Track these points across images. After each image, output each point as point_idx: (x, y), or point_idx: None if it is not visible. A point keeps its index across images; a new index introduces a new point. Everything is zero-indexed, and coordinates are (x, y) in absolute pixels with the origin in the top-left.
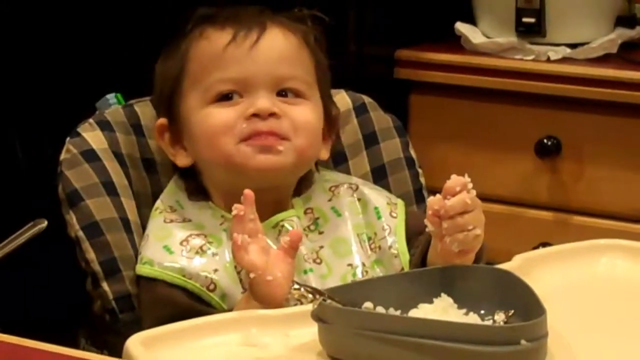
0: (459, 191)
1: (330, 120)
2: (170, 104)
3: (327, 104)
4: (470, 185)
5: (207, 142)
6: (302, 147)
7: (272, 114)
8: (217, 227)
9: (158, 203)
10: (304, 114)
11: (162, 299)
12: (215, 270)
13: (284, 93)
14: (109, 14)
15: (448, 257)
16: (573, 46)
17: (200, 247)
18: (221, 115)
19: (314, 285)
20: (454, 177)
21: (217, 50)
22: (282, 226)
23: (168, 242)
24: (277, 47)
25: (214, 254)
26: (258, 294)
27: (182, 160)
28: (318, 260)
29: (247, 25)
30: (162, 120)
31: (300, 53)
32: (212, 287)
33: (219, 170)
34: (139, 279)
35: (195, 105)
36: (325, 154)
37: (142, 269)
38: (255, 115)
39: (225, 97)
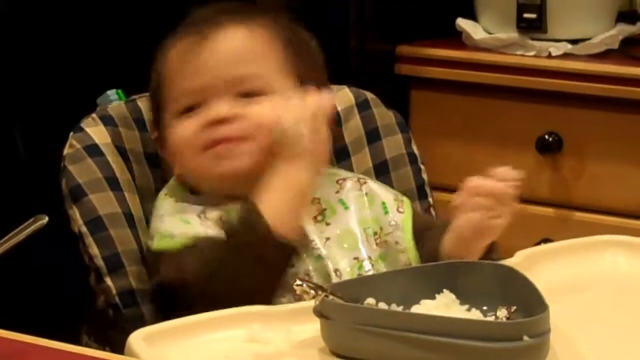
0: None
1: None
2: (157, 116)
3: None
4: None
5: (176, 159)
6: (266, 146)
7: (231, 117)
8: (229, 206)
9: (164, 189)
10: (267, 110)
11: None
12: None
13: (247, 94)
14: (110, 11)
15: (458, 239)
16: (574, 42)
17: (220, 218)
18: (182, 129)
19: (326, 271)
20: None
21: (179, 62)
22: None
23: (185, 216)
24: (232, 48)
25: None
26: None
27: (177, 171)
28: (326, 250)
29: (203, 32)
30: (156, 134)
31: (261, 49)
32: None
33: (194, 180)
34: (160, 256)
35: (170, 118)
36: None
37: (163, 243)
38: (214, 122)
39: (189, 109)
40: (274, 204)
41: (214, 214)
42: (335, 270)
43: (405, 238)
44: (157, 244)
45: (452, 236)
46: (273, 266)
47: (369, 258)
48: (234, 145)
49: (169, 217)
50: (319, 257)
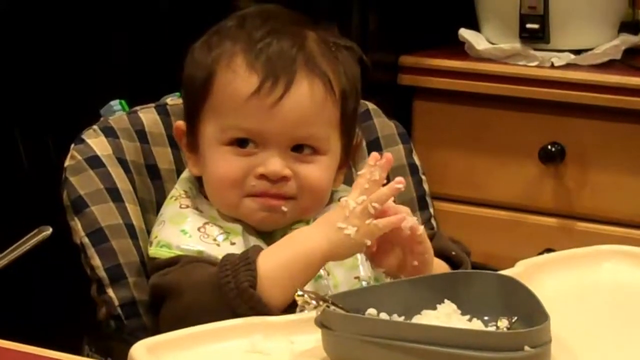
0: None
1: (350, 151)
2: (191, 117)
3: (351, 135)
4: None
5: (215, 188)
6: (306, 208)
7: (282, 177)
8: (233, 224)
9: (173, 191)
10: (316, 175)
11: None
12: None
13: (300, 146)
14: (114, 21)
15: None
16: (577, 52)
17: (218, 236)
18: (232, 167)
19: (326, 292)
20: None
21: (240, 96)
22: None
23: (185, 227)
24: (300, 107)
25: (231, 243)
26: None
27: (193, 169)
28: (326, 272)
29: (274, 74)
30: (181, 125)
31: (324, 106)
32: None
33: (221, 208)
34: (154, 262)
35: (211, 137)
36: (338, 184)
37: (159, 252)
38: (263, 175)
39: (240, 142)
40: (277, 265)
41: (214, 230)
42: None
43: None
44: (153, 250)
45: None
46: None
47: (369, 278)
48: (282, 203)
49: (170, 225)
50: (319, 277)
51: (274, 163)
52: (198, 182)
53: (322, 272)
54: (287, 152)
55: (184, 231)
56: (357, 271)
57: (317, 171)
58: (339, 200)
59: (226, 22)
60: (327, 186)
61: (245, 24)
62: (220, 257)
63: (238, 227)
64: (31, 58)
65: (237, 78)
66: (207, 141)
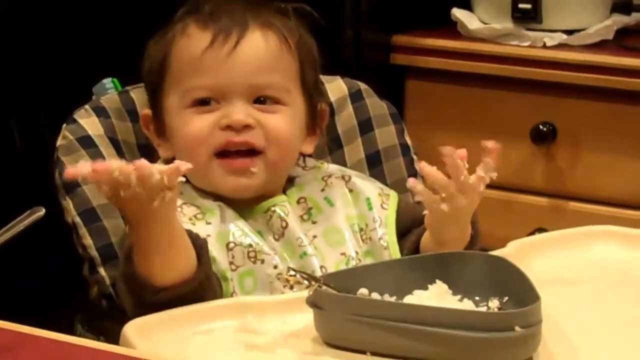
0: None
1: (316, 115)
2: (154, 97)
3: (313, 99)
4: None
5: (184, 151)
6: (275, 160)
7: (246, 126)
8: (210, 203)
9: None
10: (279, 124)
11: None
12: (208, 236)
13: (262, 99)
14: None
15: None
16: (569, 32)
17: (195, 215)
18: (196, 124)
19: (312, 269)
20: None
21: (195, 54)
22: (274, 211)
23: None
24: (255, 55)
25: (207, 222)
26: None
27: (165, 152)
28: (313, 247)
29: (226, 28)
30: (147, 112)
31: (281, 56)
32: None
33: (193, 176)
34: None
35: (175, 106)
36: (309, 148)
37: None
38: (229, 126)
39: (202, 102)
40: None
41: (191, 209)
42: (321, 267)
43: (389, 234)
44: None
45: (426, 231)
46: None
47: (356, 253)
48: (249, 162)
49: None
50: (304, 254)
51: (237, 112)
52: None
53: (308, 248)
54: (250, 103)
55: None
56: (345, 247)
57: (281, 120)
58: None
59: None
60: (293, 137)
61: (194, 5)
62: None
63: (215, 207)
64: (23, 37)
65: (191, 40)
66: (172, 112)
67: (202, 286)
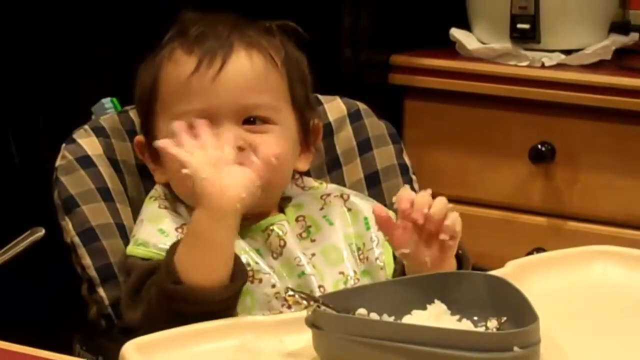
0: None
1: (309, 132)
2: (146, 122)
3: (304, 115)
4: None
5: (174, 177)
6: (268, 180)
7: (237, 148)
8: None
9: (152, 192)
10: (271, 143)
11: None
12: None
13: (251, 120)
14: (106, 18)
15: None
16: (567, 52)
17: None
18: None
19: (311, 288)
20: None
21: (182, 80)
22: (272, 230)
23: (163, 226)
24: (242, 76)
25: None
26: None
27: (160, 177)
28: (311, 267)
29: (211, 50)
30: (140, 138)
31: (268, 75)
32: None
33: (189, 201)
34: (128, 260)
35: (166, 132)
36: (304, 165)
37: (136, 250)
38: None
39: (192, 127)
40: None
41: None
42: (320, 287)
43: (385, 255)
44: (130, 248)
45: (411, 266)
46: (218, 312)
47: (354, 273)
48: None
49: (148, 224)
50: (303, 274)
51: (227, 136)
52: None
53: (307, 267)
54: (239, 125)
55: (162, 230)
56: (343, 266)
57: (273, 139)
58: (321, 197)
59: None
60: (286, 155)
61: (181, 28)
62: None
63: None
64: (23, 56)
65: (178, 66)
66: (163, 137)
67: (221, 304)
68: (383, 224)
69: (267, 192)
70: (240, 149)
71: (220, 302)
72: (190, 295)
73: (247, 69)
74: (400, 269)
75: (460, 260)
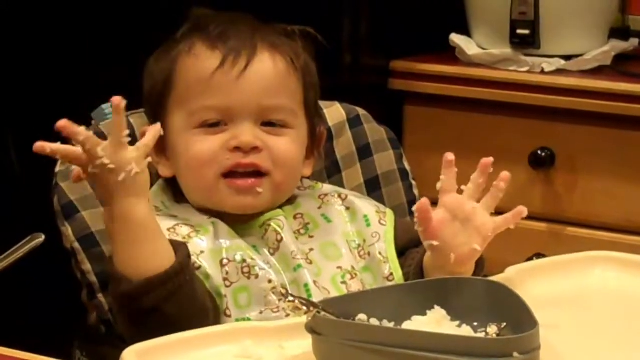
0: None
1: (315, 139)
2: (156, 115)
3: (313, 123)
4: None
5: (190, 171)
6: (280, 182)
7: (254, 148)
8: (204, 220)
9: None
10: (286, 147)
11: None
12: (201, 252)
13: (268, 122)
14: (106, 22)
15: (444, 267)
16: (567, 58)
17: (188, 234)
18: (204, 145)
19: (305, 282)
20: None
21: (205, 75)
22: (269, 225)
23: None
24: (265, 77)
25: (200, 239)
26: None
27: (165, 171)
28: (308, 261)
29: (236, 49)
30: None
31: (288, 79)
32: (197, 265)
33: (198, 195)
34: None
35: (180, 126)
36: (308, 171)
37: None
38: (237, 147)
39: (209, 124)
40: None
41: (183, 229)
42: (315, 282)
43: (388, 249)
44: None
45: (431, 257)
46: (183, 291)
47: (352, 268)
48: (255, 182)
49: None
50: (299, 267)
51: (246, 134)
52: (171, 191)
53: (302, 261)
54: (257, 126)
55: None
56: (341, 261)
57: (288, 143)
58: (319, 197)
59: (179, 31)
60: (298, 161)
61: (199, 24)
62: (191, 250)
63: (209, 224)
64: (22, 61)
65: (199, 60)
66: (176, 132)
67: (178, 278)
68: (422, 214)
69: (279, 196)
70: (258, 149)
71: (177, 276)
72: (149, 286)
73: (270, 71)
74: (416, 269)
75: (477, 264)
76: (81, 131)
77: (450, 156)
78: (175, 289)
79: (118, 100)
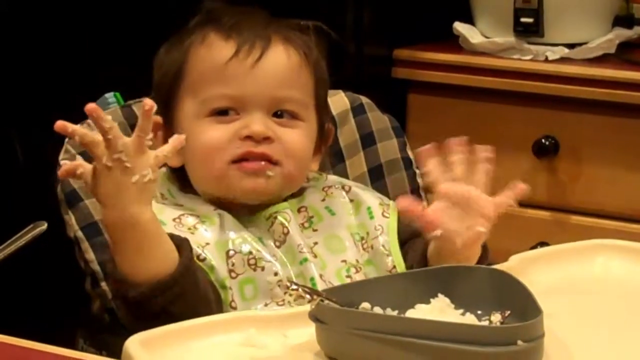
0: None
1: (323, 134)
2: (167, 104)
3: (322, 118)
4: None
5: (200, 159)
6: (290, 173)
7: (266, 138)
8: (211, 211)
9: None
10: (297, 139)
11: None
12: (207, 244)
13: (279, 113)
14: (109, 12)
15: (453, 255)
16: (571, 46)
17: (194, 225)
18: (215, 134)
19: (312, 275)
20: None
21: (219, 64)
22: (275, 217)
23: (162, 218)
24: (279, 68)
25: (205, 230)
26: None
27: (173, 161)
28: (313, 255)
29: (251, 39)
30: (157, 118)
31: (300, 72)
32: (202, 257)
33: (207, 183)
34: None
35: (191, 114)
36: (314, 166)
37: None
38: (248, 136)
39: (221, 112)
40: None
41: (190, 219)
42: (321, 275)
43: (391, 242)
44: None
45: (437, 247)
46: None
47: (357, 261)
48: (266, 166)
49: None
50: (305, 260)
51: (257, 123)
52: (177, 180)
53: (309, 255)
54: (269, 116)
55: (161, 221)
56: (345, 255)
57: (300, 135)
58: (322, 189)
59: (190, 22)
60: (308, 154)
61: (212, 16)
62: (194, 244)
63: (215, 215)
64: (26, 51)
65: (213, 50)
66: (187, 120)
67: (183, 277)
68: (410, 212)
69: (289, 186)
70: (269, 139)
71: (182, 278)
72: (157, 290)
73: (284, 63)
74: (412, 266)
75: (483, 249)
76: (108, 119)
77: (425, 151)
78: (182, 291)
79: (149, 105)
